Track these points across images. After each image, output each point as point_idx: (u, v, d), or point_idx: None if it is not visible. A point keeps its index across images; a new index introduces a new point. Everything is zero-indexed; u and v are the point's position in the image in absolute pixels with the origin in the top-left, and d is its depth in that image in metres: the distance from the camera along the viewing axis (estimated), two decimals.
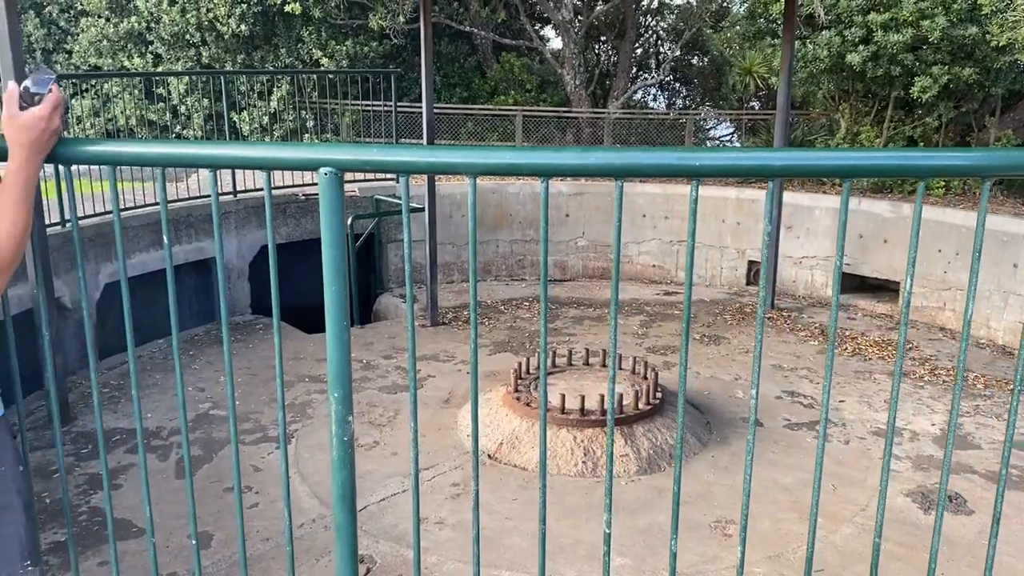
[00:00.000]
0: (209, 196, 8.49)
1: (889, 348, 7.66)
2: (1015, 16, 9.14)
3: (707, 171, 1.40)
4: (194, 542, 1.97)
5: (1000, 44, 9.33)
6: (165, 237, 1.67)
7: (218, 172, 1.70)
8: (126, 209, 7.53)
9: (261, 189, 8.85)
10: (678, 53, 16.04)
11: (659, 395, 5.77)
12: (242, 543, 2.06)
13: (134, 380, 1.94)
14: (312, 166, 1.53)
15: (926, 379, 6.92)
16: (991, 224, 7.68)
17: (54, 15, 15.91)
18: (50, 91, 1.61)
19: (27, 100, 1.62)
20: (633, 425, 5.50)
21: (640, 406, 5.60)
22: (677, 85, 17.57)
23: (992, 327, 7.80)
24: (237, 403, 6.44)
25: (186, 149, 1.62)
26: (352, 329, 8.78)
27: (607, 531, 1.75)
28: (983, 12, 9.52)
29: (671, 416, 5.73)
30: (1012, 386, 6.60)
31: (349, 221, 8.49)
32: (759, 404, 6.41)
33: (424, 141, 8.01)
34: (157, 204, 7.87)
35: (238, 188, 8.72)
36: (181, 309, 7.79)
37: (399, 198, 9.37)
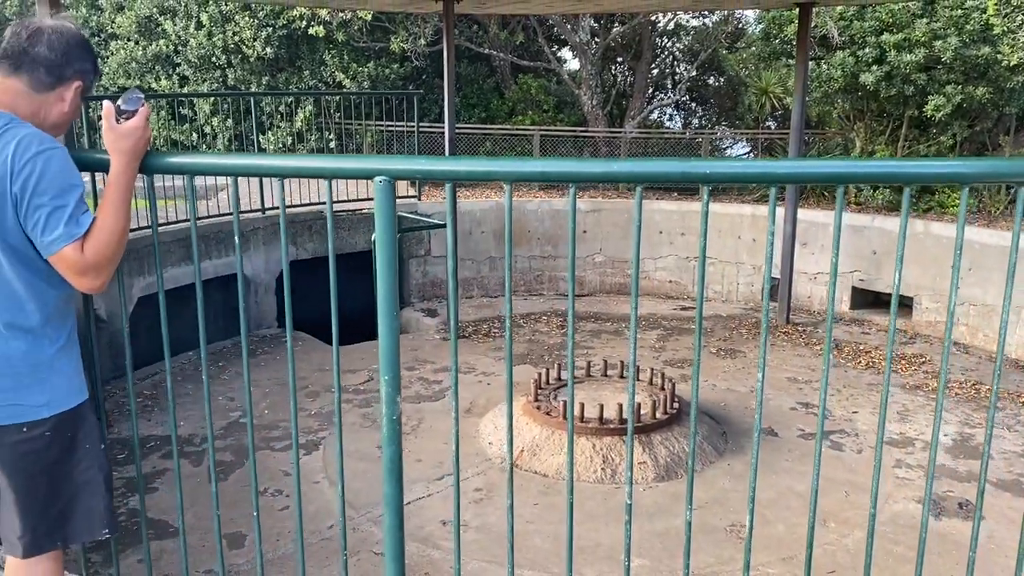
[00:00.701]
0: (241, 213, 8.77)
1: (903, 362, 7.79)
2: None
3: (716, 178, 1.60)
4: (259, 516, 2.16)
5: (1012, 64, 9.49)
6: (236, 239, 1.87)
7: (283, 184, 1.90)
8: (160, 225, 7.78)
9: (287, 206, 9.09)
10: (694, 74, 16.25)
11: (676, 405, 5.94)
12: (300, 540, 2.25)
13: (206, 374, 2.14)
14: (368, 175, 1.73)
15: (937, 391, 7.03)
16: (1003, 241, 7.81)
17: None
18: (142, 106, 1.85)
19: (120, 116, 1.85)
20: (651, 434, 5.67)
21: (658, 415, 5.77)
22: (693, 105, 17.77)
23: (1005, 341, 7.90)
24: (266, 411, 6.66)
25: (256, 160, 1.83)
26: (374, 342, 8.98)
27: (628, 511, 1.93)
28: (995, 32, 9.69)
29: (688, 425, 5.89)
30: (1023, 398, 6.72)
31: (372, 237, 8.71)
32: (774, 416, 6.56)
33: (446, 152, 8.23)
34: (187, 220, 8.17)
35: (265, 206, 8.96)
36: (209, 323, 8.01)
37: (421, 215, 9.59)
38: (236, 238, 1.88)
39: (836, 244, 1.69)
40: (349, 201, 9.18)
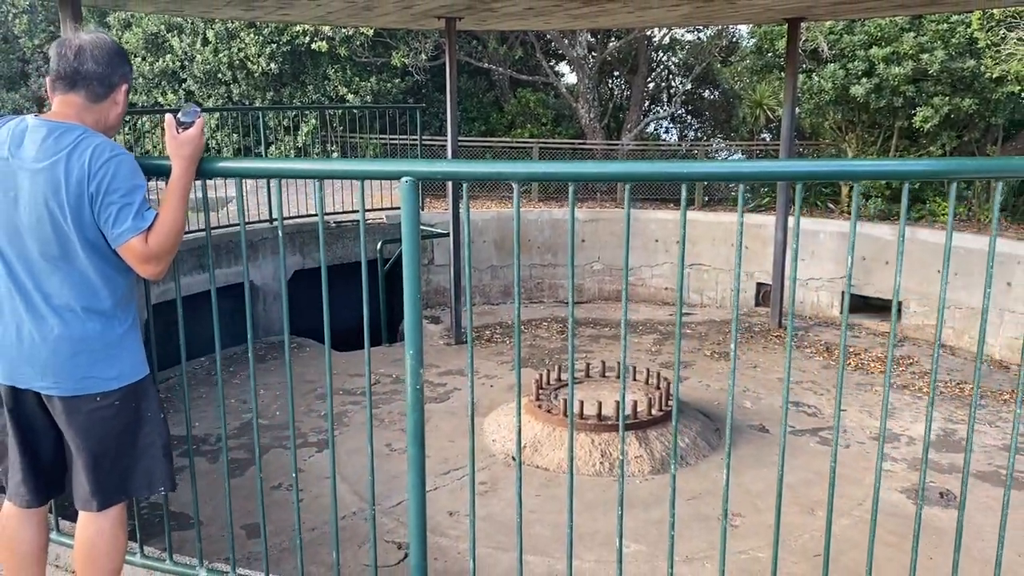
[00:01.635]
0: (250, 223, 9.04)
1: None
2: (1008, 49, 9.64)
3: (693, 176, 1.88)
4: (299, 505, 2.42)
5: (995, 76, 9.81)
6: (280, 234, 2.15)
7: (321, 185, 2.18)
8: None
9: (294, 217, 9.36)
10: (689, 87, 16.59)
11: (670, 403, 6.21)
12: (335, 527, 2.51)
13: (252, 373, 2.41)
14: (395, 176, 2.02)
15: (924, 391, 7.33)
16: (983, 244, 8.10)
17: None
18: (199, 118, 2.14)
19: (179, 127, 2.15)
20: (647, 430, 5.94)
21: (653, 412, 6.04)
22: (689, 118, 18.09)
23: (988, 343, 8.19)
24: (277, 413, 6.93)
25: (296, 165, 2.12)
26: (382, 347, 9.19)
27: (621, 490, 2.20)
28: (979, 46, 10.01)
29: (682, 422, 6.16)
30: (1004, 396, 7.01)
31: (379, 245, 9.00)
32: (766, 413, 6.83)
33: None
34: (198, 231, 8.45)
35: (273, 216, 9.23)
36: (219, 329, 8.27)
37: (424, 225, 9.87)
38: (280, 234, 2.15)
39: (796, 236, 1.97)
40: (355, 212, 9.45)
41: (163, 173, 2.21)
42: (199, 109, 2.17)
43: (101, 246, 2.17)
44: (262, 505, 2.80)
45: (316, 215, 9.61)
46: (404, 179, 1.98)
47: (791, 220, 9.50)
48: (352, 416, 6.86)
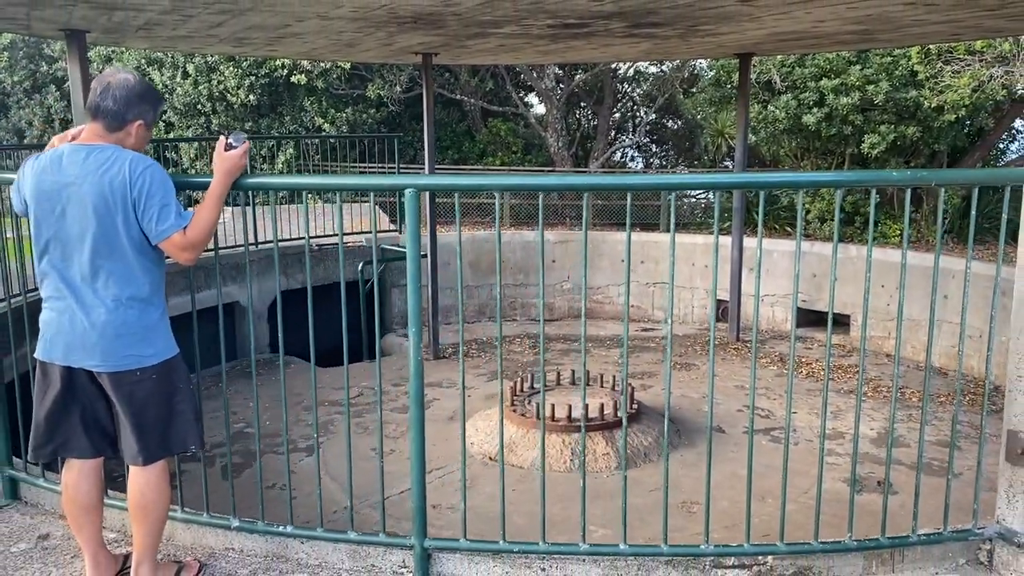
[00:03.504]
0: (233, 247, 9.48)
1: (838, 371, 8.69)
2: (945, 81, 10.40)
3: (632, 187, 2.41)
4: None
5: (934, 105, 10.55)
6: (307, 255, 2.65)
7: (340, 198, 2.69)
8: None
9: (269, 241, 9.79)
10: (653, 117, 17.31)
11: (635, 406, 6.75)
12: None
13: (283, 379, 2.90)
14: (399, 188, 2.53)
15: (868, 395, 7.95)
16: (924, 261, 8.76)
17: None
18: (244, 143, 2.67)
19: (228, 148, 2.69)
20: (613, 430, 6.46)
21: (619, 414, 6.57)
22: (653, 147, 18.82)
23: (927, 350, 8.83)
24: (267, 423, 7.36)
25: (313, 180, 2.64)
26: (363, 363, 9.65)
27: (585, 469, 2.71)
28: (920, 78, 10.77)
29: (646, 423, 6.70)
30: (940, 399, 7.61)
31: (360, 267, 9.48)
32: (723, 416, 7.36)
33: (427, 195, 9.04)
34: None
35: (259, 240, 9.69)
36: (206, 348, 8.68)
37: (402, 247, 10.37)
38: (307, 254, 2.65)
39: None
40: (333, 235, 9.94)
41: (203, 187, 2.73)
42: (246, 136, 2.69)
43: (141, 242, 2.67)
44: (287, 460, 3.25)
45: (296, 240, 10.02)
46: (408, 190, 2.50)
47: (747, 241, 10.12)
48: (338, 425, 7.32)
